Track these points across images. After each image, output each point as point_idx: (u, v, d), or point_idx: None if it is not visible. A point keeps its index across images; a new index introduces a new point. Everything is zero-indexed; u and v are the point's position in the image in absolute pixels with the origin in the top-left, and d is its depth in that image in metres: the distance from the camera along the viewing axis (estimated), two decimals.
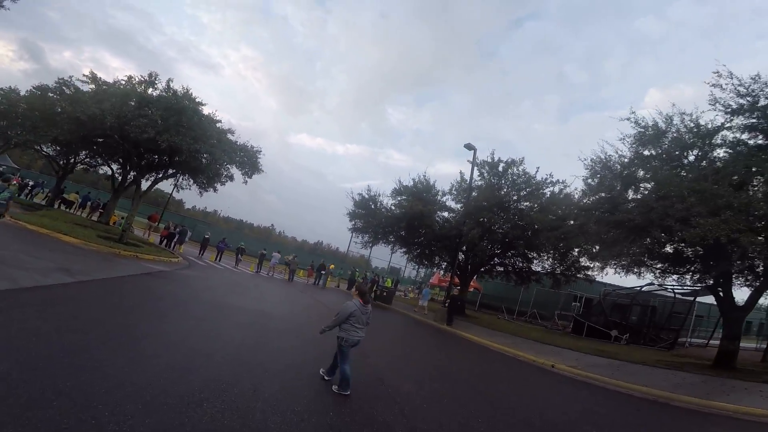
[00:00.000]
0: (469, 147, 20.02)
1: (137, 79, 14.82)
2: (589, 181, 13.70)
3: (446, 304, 17.79)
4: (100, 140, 14.78)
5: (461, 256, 20.26)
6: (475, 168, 20.47)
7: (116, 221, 22.15)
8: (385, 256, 37.99)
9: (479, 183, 20.74)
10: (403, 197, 21.83)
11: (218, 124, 16.59)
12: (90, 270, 9.18)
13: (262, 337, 7.08)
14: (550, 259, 19.90)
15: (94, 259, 11.12)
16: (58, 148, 18.22)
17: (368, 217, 22.76)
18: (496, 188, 19.16)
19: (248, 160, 17.69)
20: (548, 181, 19.03)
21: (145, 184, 17.59)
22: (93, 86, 14.31)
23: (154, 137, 12.48)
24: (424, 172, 22.53)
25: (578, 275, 19.21)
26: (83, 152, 18.97)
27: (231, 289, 12.99)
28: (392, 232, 22.51)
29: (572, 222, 15.32)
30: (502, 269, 22.13)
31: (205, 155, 13.84)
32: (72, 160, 20.99)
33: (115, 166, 19.40)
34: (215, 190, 19.98)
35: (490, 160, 20.45)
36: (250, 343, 6.30)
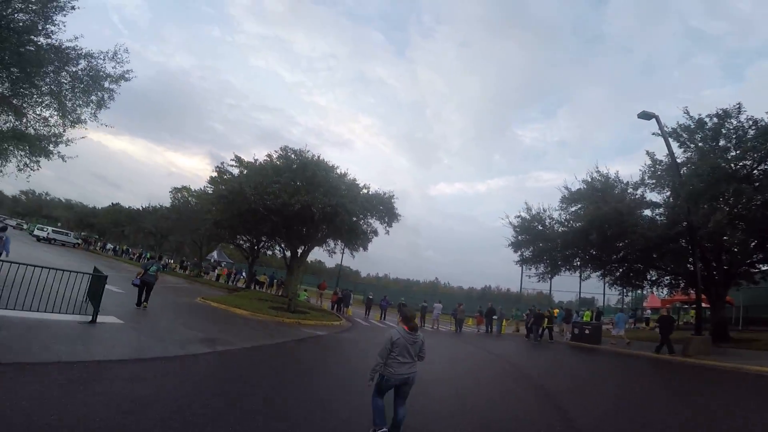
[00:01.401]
0: (646, 116, 14.15)
1: (275, 156, 16.19)
2: None
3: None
4: (251, 216, 16.05)
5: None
6: (669, 140, 14.34)
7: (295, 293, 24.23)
8: (571, 287, 30.71)
9: (684, 156, 14.41)
10: (579, 206, 16.83)
11: (351, 179, 16.48)
12: (238, 339, 8.65)
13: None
14: None
15: (254, 328, 10.98)
16: (223, 231, 21.07)
17: (537, 242, 18.27)
18: (715, 154, 12.62)
19: (384, 208, 16.69)
20: None
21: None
22: (239, 168, 16.23)
23: (288, 201, 12.64)
24: (596, 167, 17.01)
25: None
26: (245, 235, 21.31)
27: None
28: (576, 254, 17.32)
29: None
30: None
31: (338, 208, 13.29)
32: (255, 247, 24.65)
33: (283, 245, 21.40)
34: (365, 248, 19.62)
35: (687, 122, 14.03)
36: None
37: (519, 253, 19.27)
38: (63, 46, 12.02)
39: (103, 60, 12.85)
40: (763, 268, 15.55)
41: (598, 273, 17.58)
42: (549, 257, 17.93)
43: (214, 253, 41.42)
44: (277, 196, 12.80)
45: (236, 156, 16.74)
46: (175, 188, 31.88)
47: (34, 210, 74.83)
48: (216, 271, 32.18)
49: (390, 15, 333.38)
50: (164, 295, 16.40)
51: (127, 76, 13.51)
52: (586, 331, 16.12)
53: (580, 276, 18.77)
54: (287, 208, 13.33)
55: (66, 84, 12.86)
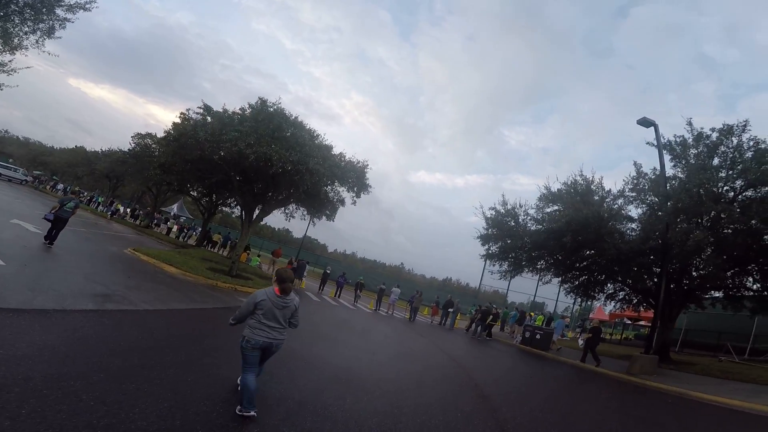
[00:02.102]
0: (645, 123, 13.41)
1: (248, 108, 14.35)
2: None
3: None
4: (203, 165, 14.26)
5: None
6: (664, 153, 13.82)
7: (247, 258, 22.68)
8: (526, 289, 30.84)
9: (673, 171, 14.04)
10: (556, 207, 16.07)
11: (325, 143, 14.99)
12: (144, 300, 7.33)
13: None
14: None
15: (177, 289, 9.64)
16: (170, 177, 18.91)
17: (505, 239, 17.55)
18: (708, 173, 12.07)
19: (355, 177, 15.35)
20: None
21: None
22: (204, 115, 14.25)
23: (244, 150, 11.18)
24: (581, 171, 16.25)
25: None
26: (195, 184, 19.38)
27: (327, 332, 9.94)
28: (542, 256, 16.73)
29: None
30: (720, 294, 14.74)
31: (300, 165, 11.90)
32: (214, 201, 22.83)
33: (236, 201, 19.64)
34: (330, 218, 18.30)
35: (689, 135, 13.51)
36: None
37: (486, 246, 18.57)
38: None
39: None
40: (715, 295, 15.59)
41: (559, 279, 17.12)
42: (515, 256, 17.32)
43: (174, 207, 38.99)
44: (234, 145, 11.28)
45: (204, 104, 14.55)
46: (138, 134, 28.39)
47: None
48: (168, 224, 30.02)
49: None
50: (94, 241, 14.67)
51: (88, 6, 12.83)
52: (537, 336, 15.78)
53: (539, 279, 18.34)
54: (243, 160, 11.87)
55: (14, 8, 12.03)
